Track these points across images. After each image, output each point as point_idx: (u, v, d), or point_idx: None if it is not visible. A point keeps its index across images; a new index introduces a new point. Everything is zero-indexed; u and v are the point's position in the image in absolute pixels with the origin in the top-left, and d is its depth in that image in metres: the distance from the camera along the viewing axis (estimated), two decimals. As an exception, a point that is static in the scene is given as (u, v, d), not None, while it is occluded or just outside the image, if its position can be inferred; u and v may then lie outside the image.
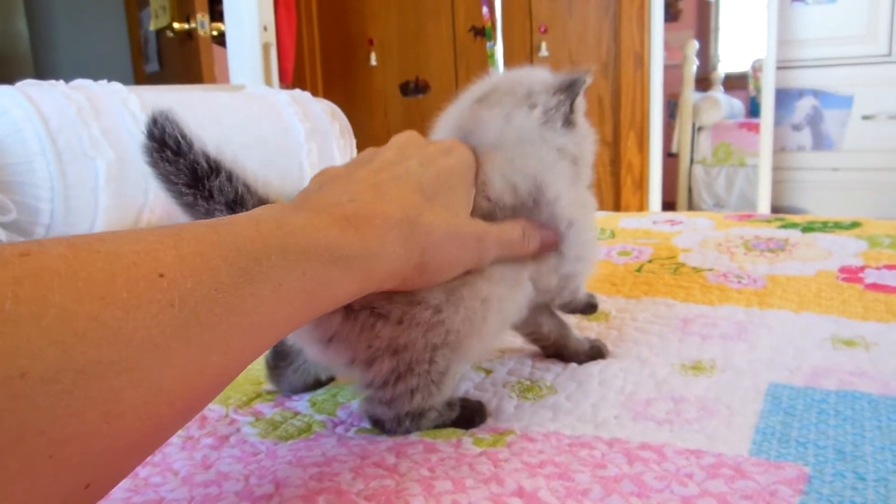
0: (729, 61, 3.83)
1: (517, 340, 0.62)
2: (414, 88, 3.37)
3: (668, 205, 3.30)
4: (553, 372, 0.56)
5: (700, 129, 3.44)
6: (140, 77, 3.56)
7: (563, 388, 0.53)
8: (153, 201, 1.15)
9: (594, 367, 0.57)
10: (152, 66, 3.36)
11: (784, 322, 0.64)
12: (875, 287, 0.72)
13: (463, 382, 0.55)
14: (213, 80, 2.35)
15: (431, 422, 0.47)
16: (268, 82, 1.95)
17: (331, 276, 0.36)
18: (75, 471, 0.26)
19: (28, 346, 0.24)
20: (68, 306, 0.26)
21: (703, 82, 3.63)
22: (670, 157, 3.37)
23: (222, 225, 0.34)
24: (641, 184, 3.12)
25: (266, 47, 1.68)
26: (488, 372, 0.56)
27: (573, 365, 0.57)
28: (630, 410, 0.49)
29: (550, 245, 0.51)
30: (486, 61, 2.99)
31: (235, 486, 0.40)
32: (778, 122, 3.06)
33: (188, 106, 1.26)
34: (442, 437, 0.46)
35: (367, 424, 0.48)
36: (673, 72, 3.22)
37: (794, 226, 0.95)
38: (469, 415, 0.48)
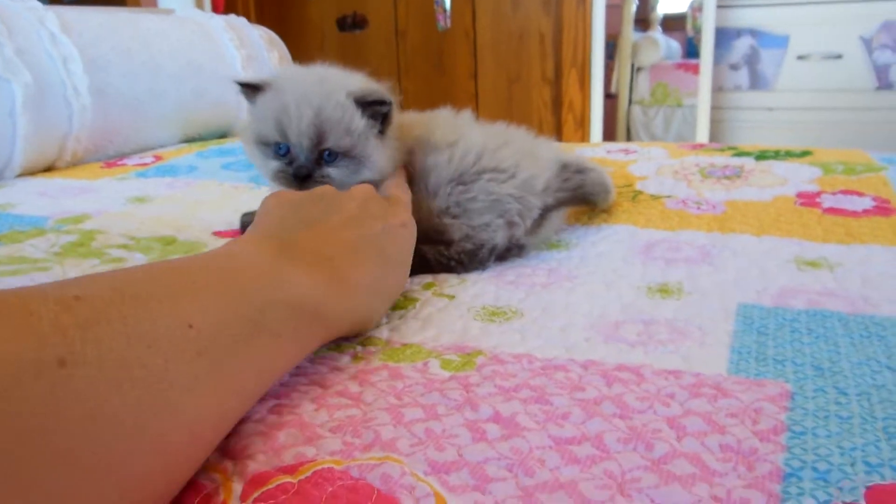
0: (667, 1, 3.81)
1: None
2: (351, 23, 3.24)
3: (609, 145, 3.30)
4: (517, 296, 0.54)
5: (639, 69, 3.43)
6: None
7: (529, 311, 0.51)
8: (78, 130, 1.07)
9: (559, 290, 0.55)
10: (70, -5, 3.15)
11: (747, 245, 0.63)
12: (833, 211, 0.72)
13: (425, 308, 0.52)
14: (138, 5, 2.20)
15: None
16: (199, 8, 1.84)
17: (312, 330, 0.40)
18: None
19: (96, 391, 0.26)
20: (122, 353, 0.28)
21: (642, 23, 3.61)
22: (609, 97, 3.36)
23: (230, 273, 0.37)
24: (583, 123, 3.11)
25: (195, -29, 1.57)
26: (451, 297, 0.54)
27: (537, 289, 0.55)
28: (600, 333, 0.47)
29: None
30: (427, -5, 2.90)
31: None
32: (715, 61, 3.07)
33: (114, 29, 1.16)
34: (407, 361, 0.43)
35: (325, 347, 0.45)
36: (612, 11, 3.18)
37: (746, 154, 0.95)
38: None
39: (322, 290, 0.41)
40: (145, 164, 1.07)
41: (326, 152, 0.57)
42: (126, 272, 0.33)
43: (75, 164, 1.10)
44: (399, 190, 0.58)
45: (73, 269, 0.61)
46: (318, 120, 0.57)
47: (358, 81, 0.61)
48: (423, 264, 0.58)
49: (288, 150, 0.58)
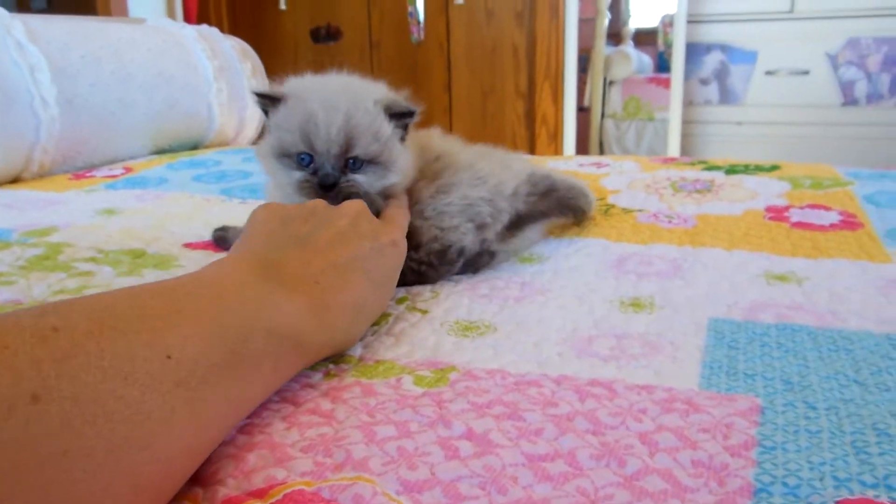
0: (639, 16, 3.85)
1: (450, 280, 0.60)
2: (325, 35, 3.24)
3: (581, 157, 3.32)
4: (490, 310, 0.54)
5: (611, 83, 3.47)
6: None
7: (502, 326, 0.51)
8: (46, 141, 1.05)
9: (532, 304, 0.55)
10: (39, 3, 3.11)
11: (717, 259, 0.64)
12: (801, 225, 0.73)
13: (398, 323, 0.51)
14: (108, 14, 2.18)
15: None
16: (170, 17, 1.82)
17: (292, 357, 0.40)
18: None
19: (69, 426, 0.26)
20: (98, 386, 0.27)
21: (615, 37, 3.65)
22: (581, 111, 3.39)
23: (214, 299, 0.36)
24: (556, 136, 3.13)
25: (167, -20, 1.56)
26: (424, 312, 0.53)
27: (511, 303, 0.55)
28: (573, 348, 0.47)
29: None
30: (401, 6, 2.90)
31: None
32: (686, 76, 3.12)
33: (83, 38, 1.15)
34: (380, 377, 0.43)
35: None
36: (584, 25, 3.22)
37: (717, 168, 0.96)
38: None
39: (304, 316, 0.41)
40: (115, 176, 1.06)
41: (352, 160, 0.57)
42: (106, 299, 0.33)
43: (42, 175, 1.09)
44: (398, 211, 0.57)
45: (39, 282, 0.60)
46: (348, 127, 0.56)
47: (381, 90, 0.61)
48: None
49: (311, 161, 0.57)
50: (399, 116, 0.59)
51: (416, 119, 0.60)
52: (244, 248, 0.46)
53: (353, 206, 0.52)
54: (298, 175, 0.57)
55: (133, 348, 0.30)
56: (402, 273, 0.58)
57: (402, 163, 0.59)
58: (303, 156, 0.57)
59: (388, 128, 0.58)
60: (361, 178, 0.57)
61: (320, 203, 0.52)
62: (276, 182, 0.61)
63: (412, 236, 0.59)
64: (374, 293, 0.48)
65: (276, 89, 0.59)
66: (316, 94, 0.57)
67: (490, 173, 0.63)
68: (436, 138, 0.67)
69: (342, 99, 0.57)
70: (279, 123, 0.58)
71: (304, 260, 0.45)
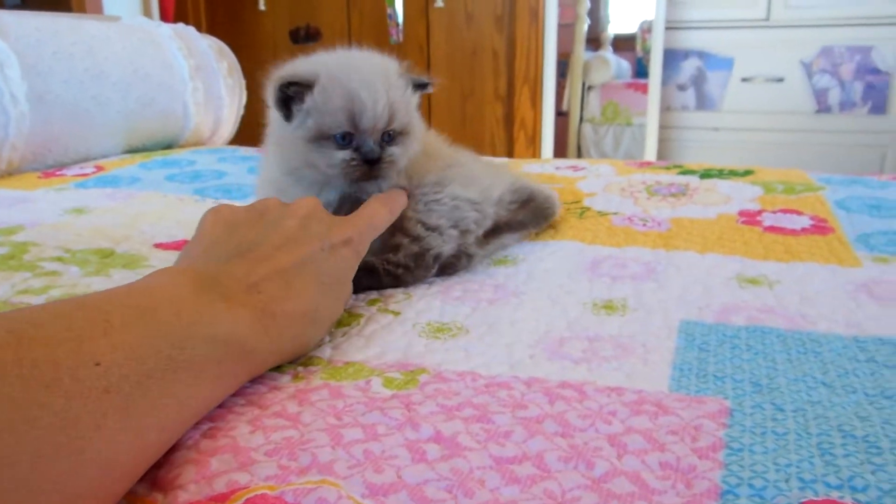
0: (618, 22, 3.88)
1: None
2: (304, 36, 3.22)
3: (560, 161, 3.34)
4: (463, 312, 0.53)
5: (590, 88, 3.48)
6: (-2, 11, 3.23)
7: (475, 328, 0.51)
8: (15, 138, 1.03)
9: (505, 306, 0.55)
10: (12, 0, 3.06)
11: (690, 262, 0.64)
12: (773, 229, 0.74)
13: (369, 325, 0.51)
14: (83, 11, 2.15)
15: None
16: (146, 16, 1.80)
17: (238, 365, 0.39)
18: None
19: None
20: (17, 395, 0.27)
21: (594, 42, 3.67)
22: (560, 115, 3.41)
23: (146, 309, 0.35)
24: (534, 140, 3.13)
25: (143, -22, 1.54)
26: (396, 314, 0.53)
27: (484, 304, 0.55)
28: (545, 350, 0.47)
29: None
30: (380, 8, 2.89)
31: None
32: (664, 81, 3.14)
33: (55, 34, 1.13)
34: (349, 379, 0.42)
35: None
36: (564, 30, 3.23)
37: (692, 172, 0.97)
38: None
39: (247, 326, 0.40)
40: (85, 175, 1.04)
41: (388, 134, 0.58)
42: (29, 313, 0.32)
43: (11, 173, 1.07)
44: (373, 207, 0.56)
45: (3, 282, 0.59)
46: (389, 102, 0.57)
47: (394, 63, 0.61)
48: (371, 277, 0.58)
49: (349, 139, 0.57)
50: (422, 87, 0.61)
51: (429, 90, 0.61)
52: (185, 259, 0.45)
53: (305, 205, 0.50)
54: (344, 154, 0.57)
55: (56, 357, 0.29)
56: (378, 275, 0.57)
57: (420, 130, 0.61)
58: (342, 135, 0.57)
59: (414, 98, 0.60)
60: (397, 150, 0.58)
61: (272, 202, 0.51)
62: (307, 167, 0.59)
63: (394, 232, 0.59)
64: (326, 297, 0.47)
65: (307, 73, 0.58)
66: (350, 73, 0.57)
67: (481, 175, 0.65)
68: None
69: (378, 75, 0.57)
70: (315, 107, 0.57)
71: (246, 269, 0.43)
